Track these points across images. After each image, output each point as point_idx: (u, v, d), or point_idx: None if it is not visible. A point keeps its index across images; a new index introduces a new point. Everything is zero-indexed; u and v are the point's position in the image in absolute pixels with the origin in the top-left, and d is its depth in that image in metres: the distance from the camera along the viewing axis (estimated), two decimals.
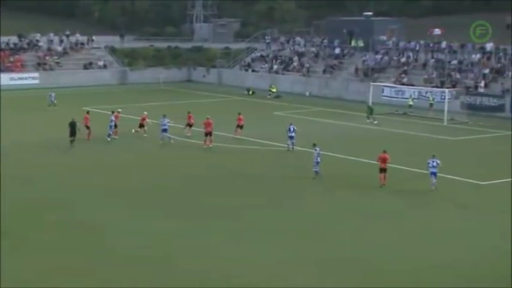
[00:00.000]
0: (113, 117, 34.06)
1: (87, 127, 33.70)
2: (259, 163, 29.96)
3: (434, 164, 25.80)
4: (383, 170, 26.45)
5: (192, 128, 35.24)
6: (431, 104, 45.47)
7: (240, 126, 35.49)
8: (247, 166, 29.22)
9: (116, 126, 34.03)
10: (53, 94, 45.69)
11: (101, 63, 62.08)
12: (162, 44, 68.37)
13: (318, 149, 26.77)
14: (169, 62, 65.51)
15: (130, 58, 64.53)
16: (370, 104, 43.41)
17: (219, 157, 31.12)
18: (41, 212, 21.98)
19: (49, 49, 61.54)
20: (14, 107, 43.91)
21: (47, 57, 60.23)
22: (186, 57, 66.69)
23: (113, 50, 64.66)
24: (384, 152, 26.60)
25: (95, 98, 50.72)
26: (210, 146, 32.48)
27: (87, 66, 61.28)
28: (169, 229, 20.57)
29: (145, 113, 36.25)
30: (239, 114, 36.00)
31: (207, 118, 32.98)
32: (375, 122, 41.12)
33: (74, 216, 21.75)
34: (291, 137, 32.31)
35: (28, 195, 24.03)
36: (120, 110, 36.27)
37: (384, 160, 26.51)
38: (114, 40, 67.81)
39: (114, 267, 17.40)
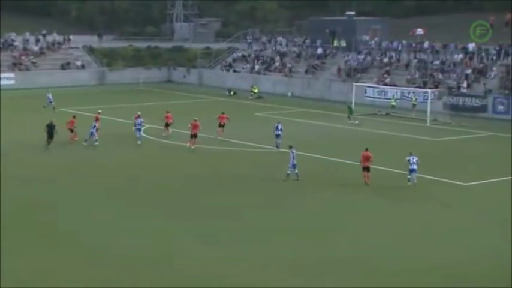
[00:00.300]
0: (95, 124, 33.98)
1: (71, 130, 34.21)
2: (246, 164, 30.73)
3: (414, 160, 27.00)
4: (366, 169, 27.48)
5: (170, 127, 36.16)
6: (414, 105, 46.66)
7: (222, 126, 36.20)
8: (233, 167, 29.99)
9: (72, 131, 34.19)
10: (50, 95, 44.64)
11: (78, 63, 62.31)
12: (141, 44, 68.73)
13: (294, 151, 27.25)
14: (149, 62, 65.92)
15: (109, 58, 64.74)
16: (350, 104, 44.56)
17: (204, 158, 31.95)
18: (40, 212, 22.55)
19: (25, 49, 61.61)
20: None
21: (23, 57, 60.28)
22: (166, 57, 67.07)
23: (91, 50, 64.84)
24: (366, 150, 27.65)
25: (73, 99, 50.94)
26: (192, 147, 33.18)
27: (65, 66, 61.46)
28: (170, 229, 21.28)
29: (139, 113, 36.87)
30: (222, 113, 36.89)
31: (195, 120, 33.71)
32: (356, 122, 42.25)
33: (73, 216, 22.37)
34: (278, 136, 33.36)
35: (27, 195, 24.60)
36: (100, 111, 36.76)
37: (366, 158, 27.49)
38: (92, 40, 67.97)
39: (114, 267, 18.01)
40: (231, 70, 63.12)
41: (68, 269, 17.79)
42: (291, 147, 27.60)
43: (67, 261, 18.35)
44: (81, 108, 44.10)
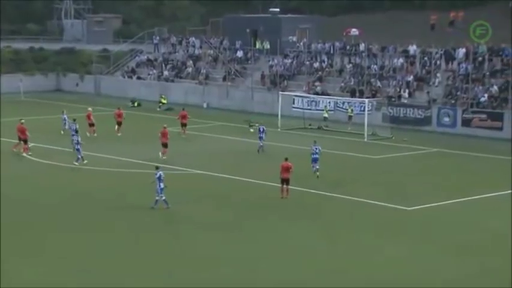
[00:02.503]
0: (78, 138, 35.14)
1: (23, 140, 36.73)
2: (129, 189, 30.60)
3: (317, 150, 32.91)
4: (285, 181, 28.69)
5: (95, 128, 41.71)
6: (350, 117, 47.68)
7: (184, 125, 43.03)
8: (115, 193, 30.04)
9: (26, 141, 36.56)
10: (66, 116, 43.29)
11: None
12: (22, 45, 67.40)
13: (160, 173, 27.34)
14: (32, 68, 64.84)
15: None
16: (250, 120, 46.71)
17: (79, 181, 32.18)
18: None
19: None
20: None
21: None
22: (53, 61, 66.25)
23: None
24: (286, 160, 29.08)
25: None
26: (164, 157, 36.12)
27: None
28: None
29: (90, 109, 43.33)
30: (183, 109, 44.70)
31: (164, 127, 37.01)
32: (251, 130, 44.64)
33: None
34: (261, 138, 38.88)
35: None
36: (23, 120, 37.69)
37: (286, 169, 28.70)
38: None
39: None
40: (134, 77, 62.65)
41: None
42: (157, 168, 27.69)
43: None
44: None
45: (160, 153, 36.29)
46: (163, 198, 27.21)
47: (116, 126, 43.05)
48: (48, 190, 30.48)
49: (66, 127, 42.37)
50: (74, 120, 38.71)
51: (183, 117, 43.39)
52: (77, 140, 34.83)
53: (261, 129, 39.08)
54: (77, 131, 36.74)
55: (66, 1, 78.09)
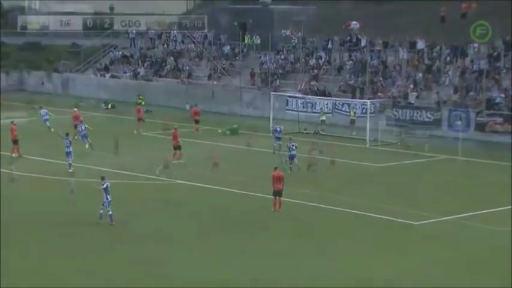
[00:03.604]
0: (68, 139, 36.14)
1: (15, 142, 38.25)
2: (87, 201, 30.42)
3: (293, 147, 35.65)
4: (277, 193, 29.14)
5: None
6: (352, 120, 47.63)
7: (196, 121, 46.82)
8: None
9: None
10: (43, 111, 46.19)
11: None
12: None
13: (106, 183, 27.19)
14: None
15: None
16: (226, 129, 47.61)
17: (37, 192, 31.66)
18: None
19: None
20: None
21: None
22: (16, 57, 66.13)
23: None
24: (276, 169, 29.64)
25: None
26: (176, 161, 37.45)
27: None
28: None
29: (75, 109, 45.64)
30: (195, 105, 48.65)
31: (175, 129, 39.02)
32: (219, 131, 46.88)
33: None
34: (278, 138, 40.74)
35: None
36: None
37: (278, 180, 29.14)
38: None
39: None
40: (108, 75, 62.66)
41: None
42: (103, 178, 27.51)
43: None
44: None
45: (173, 159, 37.61)
46: (110, 213, 26.96)
47: (136, 123, 46.33)
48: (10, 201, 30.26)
49: (48, 123, 44.49)
50: (81, 121, 41.31)
51: (196, 113, 47.15)
52: (70, 141, 35.82)
53: (278, 129, 41.00)
54: (67, 134, 36.90)
55: None
